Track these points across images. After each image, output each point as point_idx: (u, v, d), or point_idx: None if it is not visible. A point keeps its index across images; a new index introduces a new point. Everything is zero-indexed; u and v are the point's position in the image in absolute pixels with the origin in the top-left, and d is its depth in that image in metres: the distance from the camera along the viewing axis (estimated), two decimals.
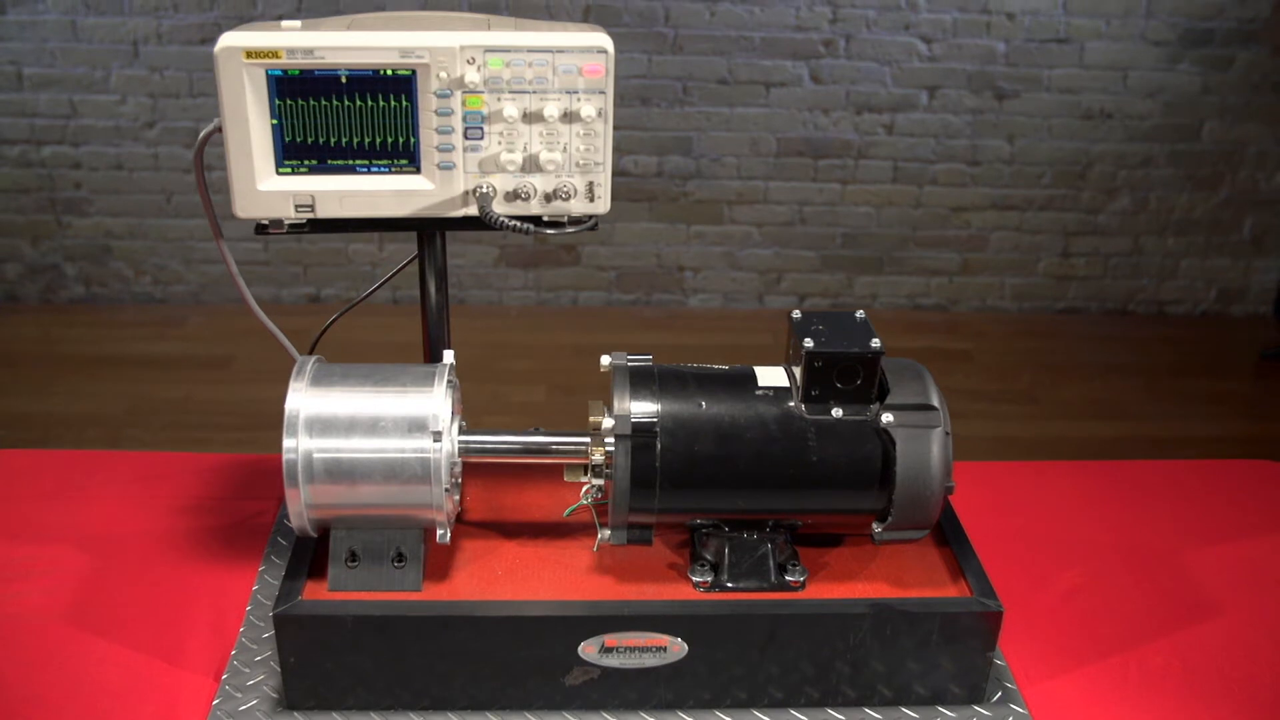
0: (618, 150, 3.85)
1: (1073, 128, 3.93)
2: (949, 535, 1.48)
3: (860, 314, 1.40)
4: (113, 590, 1.55)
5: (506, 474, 1.59)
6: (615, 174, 3.98)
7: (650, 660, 1.35)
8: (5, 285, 4.08)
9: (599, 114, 1.33)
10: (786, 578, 1.39)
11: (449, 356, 1.42)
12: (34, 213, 3.97)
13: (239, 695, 1.39)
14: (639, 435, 1.33)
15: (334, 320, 1.62)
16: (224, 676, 1.41)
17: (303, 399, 1.35)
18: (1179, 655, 1.49)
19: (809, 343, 1.33)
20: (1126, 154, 3.97)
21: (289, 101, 1.31)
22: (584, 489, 1.39)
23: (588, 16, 3.77)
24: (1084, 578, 1.63)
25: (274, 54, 1.27)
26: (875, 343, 1.34)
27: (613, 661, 1.35)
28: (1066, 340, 4.09)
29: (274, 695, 1.38)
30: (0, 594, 1.53)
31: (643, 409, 1.34)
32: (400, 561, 1.37)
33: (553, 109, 1.32)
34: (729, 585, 1.38)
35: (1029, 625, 1.53)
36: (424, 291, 1.50)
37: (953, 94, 3.88)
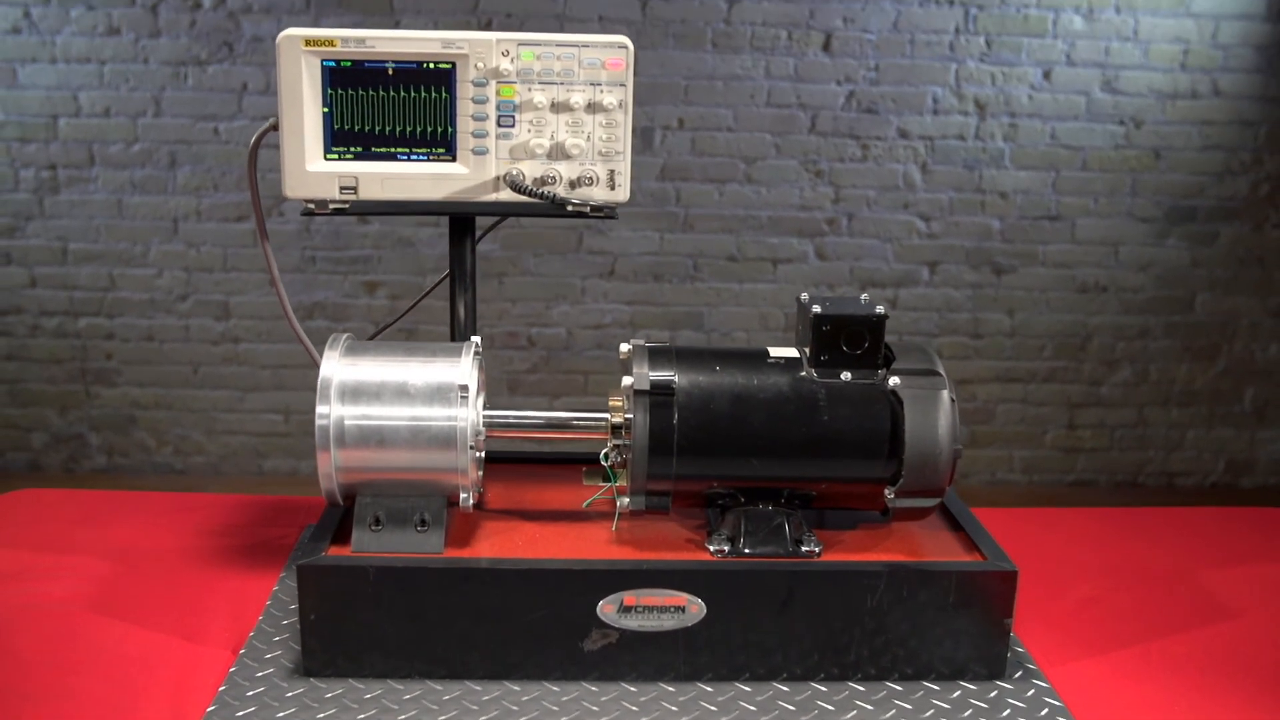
0: (631, 325, 4.00)
1: (1070, 301, 4.08)
2: (961, 521, 1.51)
3: (865, 296, 1.48)
4: (136, 588, 1.56)
5: (527, 476, 1.63)
6: None
7: (669, 622, 1.36)
8: (30, 454, 4.16)
9: (620, 105, 1.46)
10: (802, 548, 1.41)
11: (476, 339, 1.50)
12: (64, 383, 4.09)
13: (255, 665, 1.38)
14: (657, 393, 1.38)
15: (384, 329, 1.70)
16: (241, 651, 1.41)
17: (335, 366, 1.42)
18: (1200, 645, 1.48)
19: (817, 308, 1.41)
20: (1124, 326, 4.10)
21: (340, 91, 1.44)
22: (603, 451, 1.43)
23: None
24: (1101, 590, 1.63)
25: (330, 43, 1.41)
26: (880, 309, 1.41)
27: (631, 623, 1.35)
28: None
29: (290, 665, 1.38)
30: (21, 589, 1.54)
31: (661, 374, 1.40)
32: (423, 526, 1.40)
33: (579, 98, 1.45)
34: (746, 553, 1.40)
35: (1048, 623, 1.53)
36: (453, 289, 1.59)
37: (952, 269, 4.05)
